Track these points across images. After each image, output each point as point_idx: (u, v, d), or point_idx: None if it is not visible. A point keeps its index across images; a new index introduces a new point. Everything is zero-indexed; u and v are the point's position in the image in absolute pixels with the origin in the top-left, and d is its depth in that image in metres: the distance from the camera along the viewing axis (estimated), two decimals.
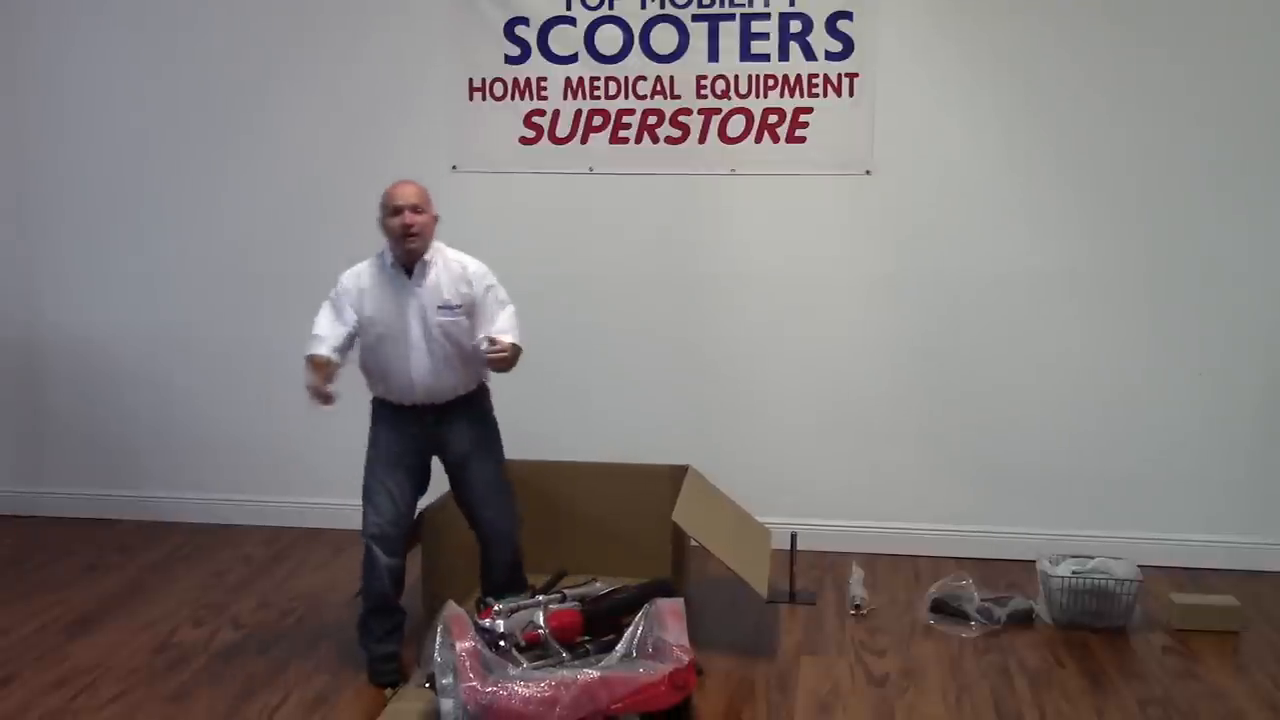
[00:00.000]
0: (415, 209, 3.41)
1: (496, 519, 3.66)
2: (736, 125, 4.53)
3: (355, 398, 4.86)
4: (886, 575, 4.38)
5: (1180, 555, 4.43)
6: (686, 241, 4.62)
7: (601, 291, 4.59)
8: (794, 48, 4.46)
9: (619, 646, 3.23)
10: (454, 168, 4.68)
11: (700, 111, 4.54)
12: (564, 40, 4.59)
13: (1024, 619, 3.93)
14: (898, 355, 4.57)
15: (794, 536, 4.16)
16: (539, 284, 4.28)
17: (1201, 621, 3.86)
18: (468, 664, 2.94)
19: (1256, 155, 4.30)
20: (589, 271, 4.63)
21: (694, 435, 4.60)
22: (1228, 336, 4.39)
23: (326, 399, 3.41)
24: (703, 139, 4.55)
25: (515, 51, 4.62)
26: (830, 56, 4.45)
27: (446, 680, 2.95)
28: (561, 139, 4.63)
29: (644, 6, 4.52)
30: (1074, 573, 3.90)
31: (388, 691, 3.34)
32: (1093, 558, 3.96)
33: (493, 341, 3.38)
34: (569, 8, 4.56)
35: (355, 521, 4.83)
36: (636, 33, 4.54)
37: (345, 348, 3.50)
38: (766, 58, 4.49)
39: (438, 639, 3.06)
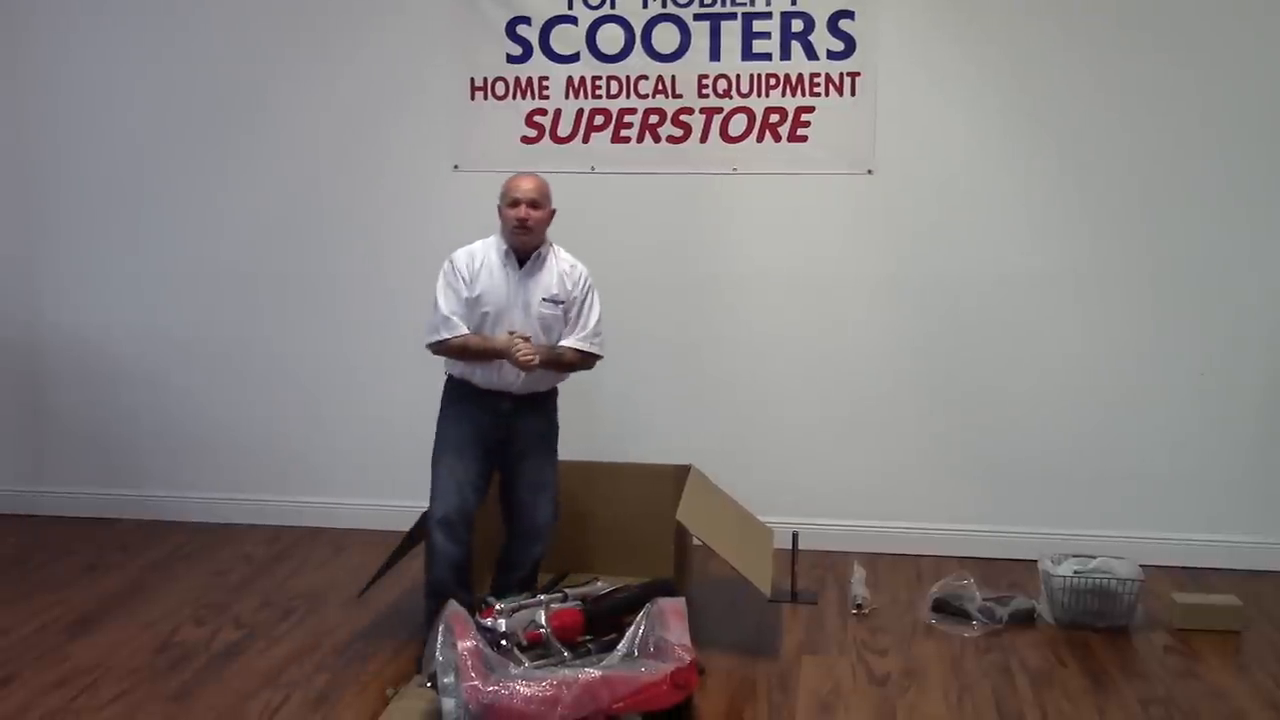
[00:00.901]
0: (533, 204, 3.54)
1: (539, 516, 3.70)
2: (738, 124, 4.53)
3: (355, 398, 4.89)
4: (888, 575, 4.38)
5: (1182, 555, 4.43)
6: (688, 241, 4.62)
7: (603, 290, 4.53)
8: (796, 47, 4.46)
9: (620, 646, 3.23)
10: (455, 167, 4.68)
11: (702, 111, 4.54)
12: (566, 39, 4.58)
13: (1026, 618, 3.93)
14: (899, 354, 4.56)
15: (795, 536, 4.15)
16: None
17: (1203, 621, 3.86)
18: (469, 663, 2.94)
19: (1258, 156, 4.30)
20: (590, 270, 4.62)
21: (696, 434, 4.59)
22: (1229, 337, 4.38)
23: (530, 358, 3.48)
24: (704, 138, 4.55)
25: (517, 51, 4.62)
26: (832, 56, 4.45)
27: (448, 679, 2.94)
28: (563, 138, 4.63)
29: (645, 6, 4.52)
30: (1076, 572, 3.89)
31: (389, 691, 3.34)
32: (1094, 557, 3.95)
33: (525, 339, 3.51)
34: (570, 7, 4.56)
35: (355, 521, 4.88)
36: (638, 32, 4.54)
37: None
38: (768, 57, 4.48)
39: (439, 638, 3.05)
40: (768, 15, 4.46)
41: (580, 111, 4.61)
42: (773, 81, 4.49)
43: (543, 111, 4.63)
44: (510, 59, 4.62)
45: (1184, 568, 4.39)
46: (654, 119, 4.57)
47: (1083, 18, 4.31)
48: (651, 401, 4.69)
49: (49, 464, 5.13)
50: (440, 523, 3.59)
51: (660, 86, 4.55)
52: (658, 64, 4.55)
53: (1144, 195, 4.37)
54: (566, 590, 3.57)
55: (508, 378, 3.57)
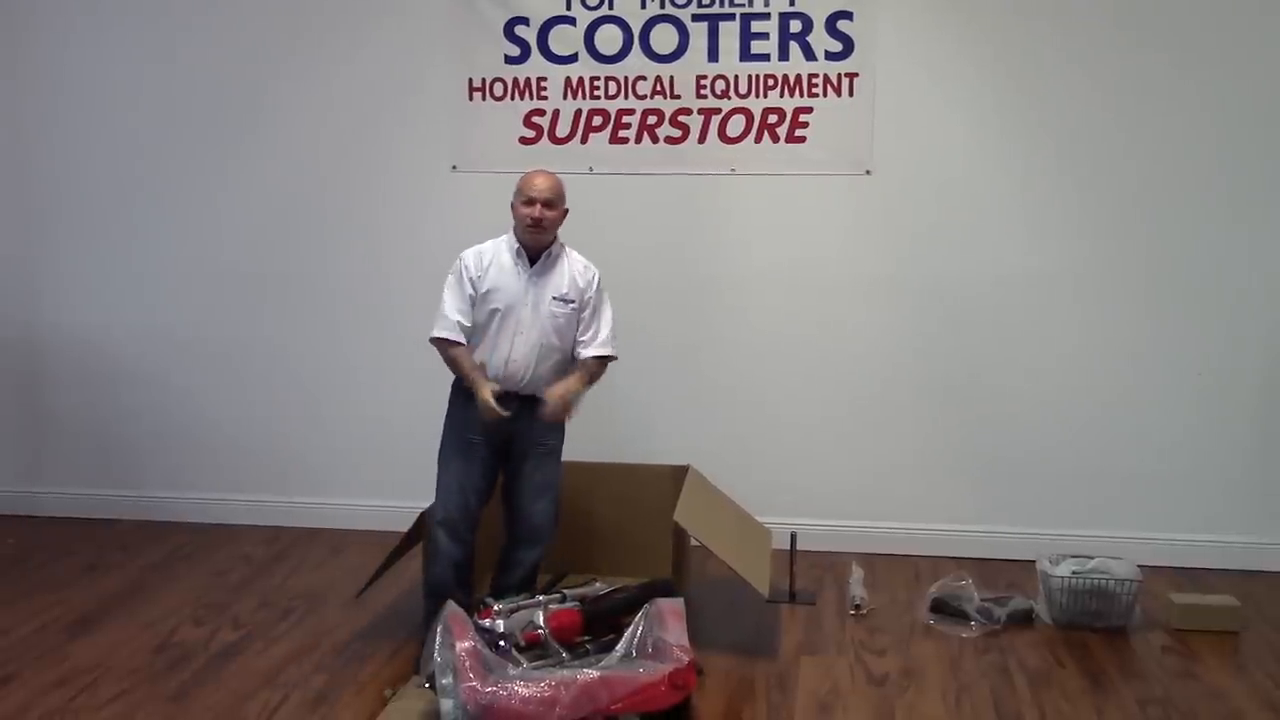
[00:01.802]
0: (547, 204, 3.55)
1: (540, 518, 3.70)
2: (736, 125, 4.53)
3: (355, 398, 4.89)
4: (886, 575, 4.38)
5: (1180, 555, 4.43)
6: (686, 242, 4.62)
7: None
8: (794, 47, 4.47)
9: (619, 646, 3.23)
10: (454, 168, 4.69)
11: (700, 111, 4.54)
12: (564, 40, 4.59)
13: (1024, 619, 3.93)
14: (897, 355, 4.57)
15: (794, 536, 4.16)
16: None
17: (1201, 621, 3.86)
18: (468, 664, 2.95)
19: (1257, 156, 4.30)
20: None
21: (694, 435, 4.60)
22: (1227, 337, 4.39)
23: (498, 413, 3.51)
24: (702, 139, 4.55)
25: (515, 51, 4.62)
26: (830, 56, 4.45)
27: (446, 680, 2.94)
28: (561, 139, 4.63)
29: (644, 6, 4.53)
30: (1074, 573, 3.89)
31: (387, 691, 3.34)
32: (1092, 558, 3.95)
33: (557, 397, 3.56)
34: (569, 8, 4.57)
35: (354, 521, 4.88)
36: (636, 33, 4.54)
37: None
38: (766, 58, 4.49)
39: (438, 639, 3.05)
40: (766, 16, 4.46)
41: (578, 112, 4.62)
42: (771, 82, 4.49)
43: (541, 112, 4.64)
44: (508, 59, 4.63)
45: (1182, 568, 4.39)
46: (652, 120, 4.58)
47: (1080, 19, 4.31)
48: (650, 402, 4.69)
49: (49, 464, 5.13)
50: (442, 522, 3.60)
51: (658, 87, 4.56)
52: (656, 65, 4.55)
53: (1142, 195, 4.37)
54: (565, 591, 3.57)
55: (514, 377, 3.57)
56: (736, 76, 4.51)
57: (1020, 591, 4.11)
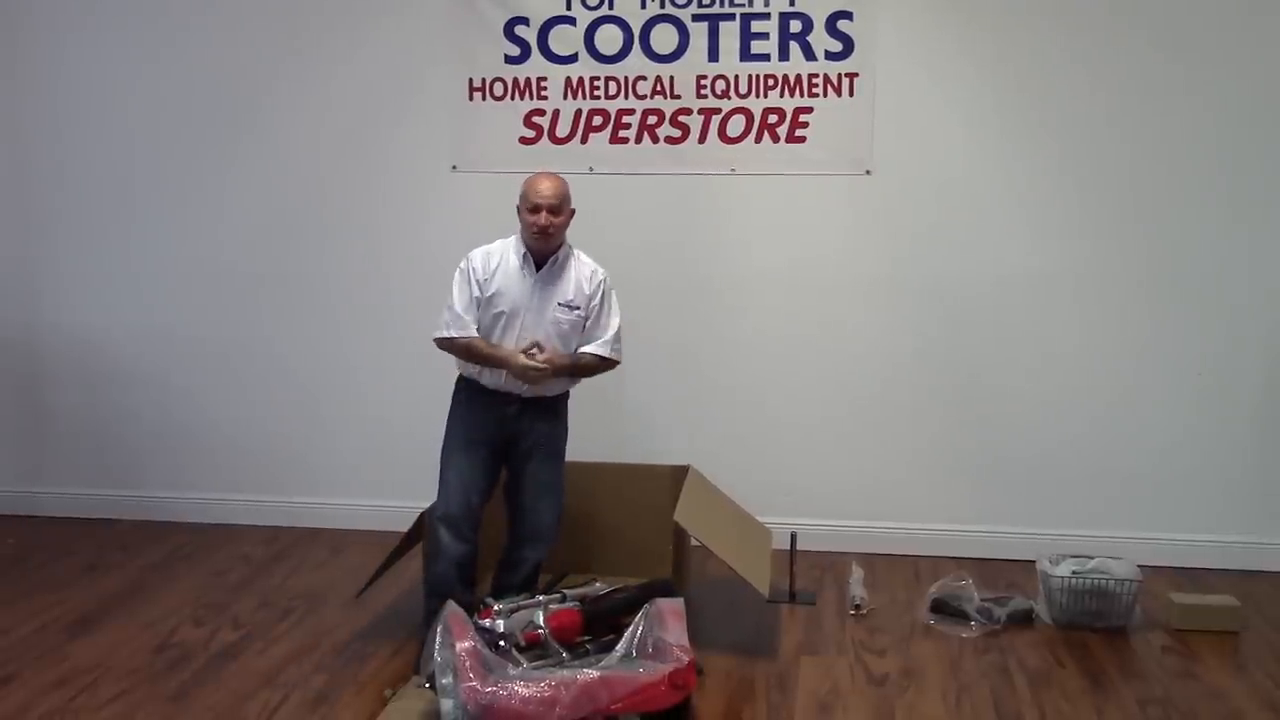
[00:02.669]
0: (553, 210, 3.51)
1: (543, 518, 3.70)
2: (736, 125, 4.53)
3: (355, 398, 4.89)
4: (886, 575, 4.38)
5: (1180, 555, 4.43)
6: (686, 242, 4.62)
7: None
8: (794, 47, 4.46)
9: (619, 646, 3.23)
10: (454, 168, 4.69)
11: (700, 111, 4.54)
12: (564, 40, 4.59)
13: (1024, 619, 3.93)
14: (897, 355, 4.57)
15: (794, 536, 4.16)
16: None
17: (1201, 621, 3.86)
18: (468, 664, 2.94)
19: (1257, 157, 4.30)
20: None
21: (694, 435, 4.60)
22: (1227, 337, 4.39)
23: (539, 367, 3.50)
24: (703, 139, 4.55)
25: (515, 51, 4.62)
26: (830, 56, 4.45)
27: (446, 680, 2.94)
28: (561, 139, 4.63)
29: (644, 6, 4.52)
30: (1074, 573, 3.89)
31: (387, 691, 3.34)
32: (1092, 558, 3.95)
33: (539, 349, 3.52)
34: (569, 8, 4.57)
35: (354, 521, 4.88)
36: (636, 33, 4.54)
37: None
38: (766, 58, 4.49)
39: (438, 639, 3.05)
40: (766, 16, 4.46)
41: (578, 112, 4.62)
42: (771, 82, 4.49)
43: (541, 112, 4.64)
44: (508, 59, 4.63)
45: (1182, 568, 4.39)
46: (652, 120, 4.58)
47: (1080, 18, 4.31)
48: (650, 402, 4.69)
49: (49, 464, 5.13)
50: (443, 519, 3.59)
51: (659, 87, 4.56)
52: (656, 65, 4.55)
53: (1142, 196, 4.37)
54: (565, 591, 3.57)
55: (514, 379, 3.57)
56: (736, 76, 4.51)
57: (1020, 591, 4.11)
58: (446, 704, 2.91)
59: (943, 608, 3.98)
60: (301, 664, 3.58)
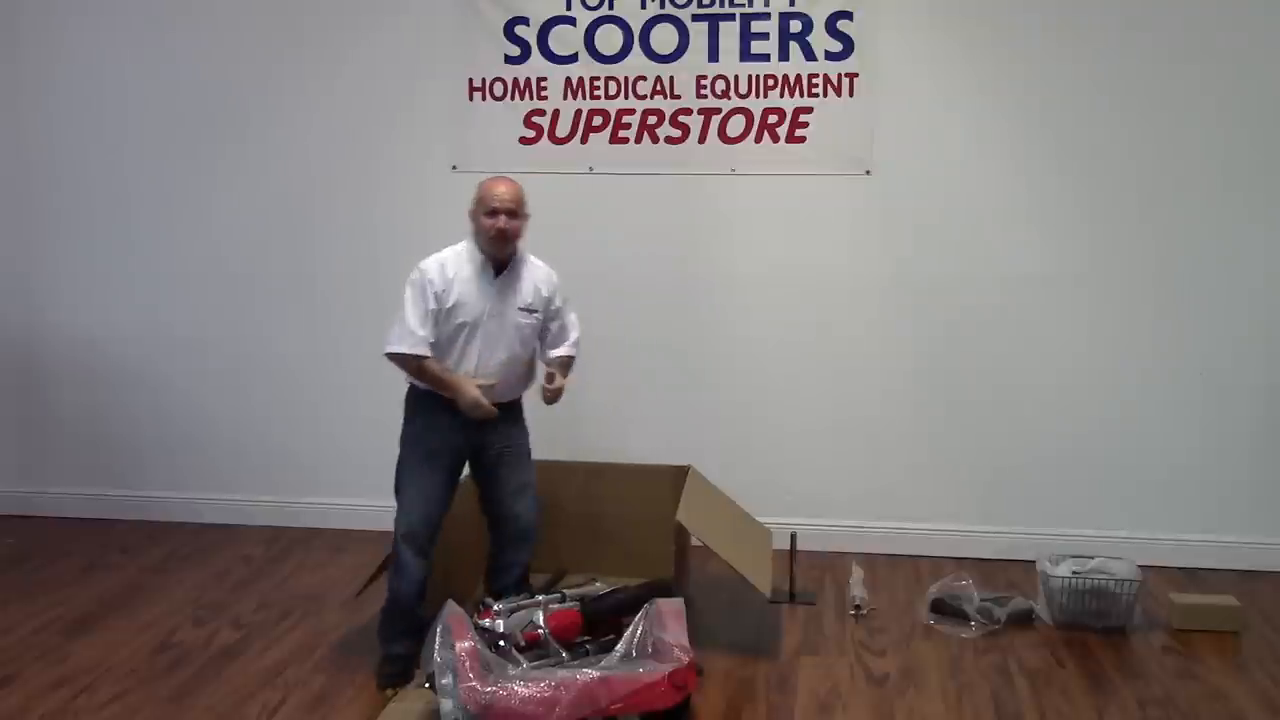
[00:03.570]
0: (511, 213, 3.45)
1: (527, 518, 3.69)
2: (736, 125, 4.53)
3: (354, 399, 4.89)
4: (886, 575, 4.38)
5: (1180, 555, 4.43)
6: (686, 241, 4.62)
7: (601, 291, 4.57)
8: (794, 47, 4.46)
9: (619, 646, 3.22)
10: (454, 168, 4.68)
11: (700, 111, 4.54)
12: (564, 40, 4.59)
13: (1024, 619, 3.93)
14: (898, 355, 4.56)
15: (794, 537, 4.16)
16: None
17: (1201, 621, 3.86)
18: (467, 664, 2.94)
19: (1259, 156, 4.29)
20: (589, 271, 4.59)
21: (694, 435, 4.60)
22: (1229, 337, 4.38)
23: (491, 410, 3.47)
24: (703, 139, 4.55)
25: (515, 51, 4.62)
26: (830, 56, 4.45)
27: (446, 680, 2.94)
28: (561, 139, 4.63)
29: (644, 6, 4.52)
30: (1074, 573, 3.89)
31: (388, 691, 3.34)
32: (1093, 558, 3.96)
33: (552, 377, 3.55)
34: (569, 8, 4.56)
35: (353, 521, 4.87)
36: (636, 33, 4.54)
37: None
38: (766, 58, 4.49)
39: (437, 639, 3.05)
40: (766, 16, 4.46)
41: (578, 112, 4.62)
42: (771, 82, 4.49)
43: (541, 112, 4.64)
44: (508, 59, 4.63)
45: (1182, 568, 4.39)
46: (652, 120, 4.57)
47: (1081, 18, 4.31)
48: (650, 402, 4.69)
49: (49, 464, 5.13)
50: (406, 538, 3.49)
51: (658, 87, 4.55)
52: (656, 65, 4.55)
53: (1143, 195, 4.37)
54: (565, 591, 3.57)
55: (484, 389, 3.48)
56: (736, 76, 4.51)
57: (1020, 592, 4.10)
58: (446, 704, 2.91)
59: (943, 608, 3.98)
60: (301, 664, 3.58)
